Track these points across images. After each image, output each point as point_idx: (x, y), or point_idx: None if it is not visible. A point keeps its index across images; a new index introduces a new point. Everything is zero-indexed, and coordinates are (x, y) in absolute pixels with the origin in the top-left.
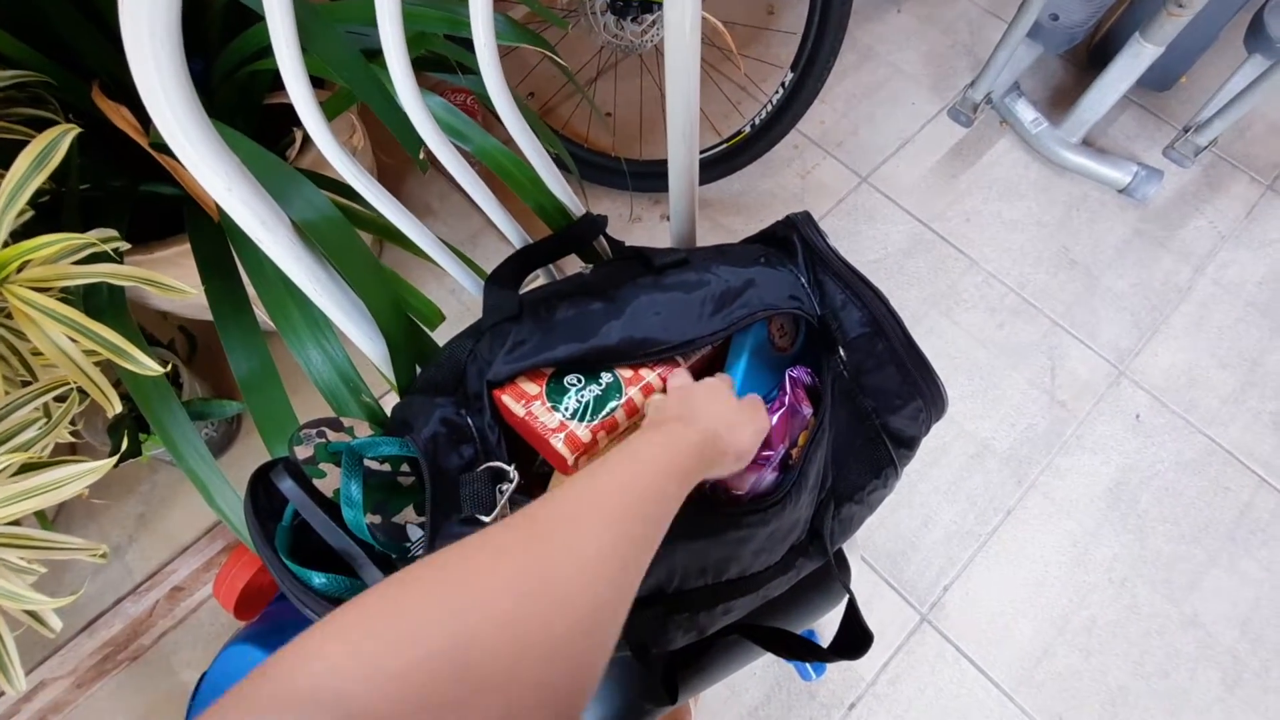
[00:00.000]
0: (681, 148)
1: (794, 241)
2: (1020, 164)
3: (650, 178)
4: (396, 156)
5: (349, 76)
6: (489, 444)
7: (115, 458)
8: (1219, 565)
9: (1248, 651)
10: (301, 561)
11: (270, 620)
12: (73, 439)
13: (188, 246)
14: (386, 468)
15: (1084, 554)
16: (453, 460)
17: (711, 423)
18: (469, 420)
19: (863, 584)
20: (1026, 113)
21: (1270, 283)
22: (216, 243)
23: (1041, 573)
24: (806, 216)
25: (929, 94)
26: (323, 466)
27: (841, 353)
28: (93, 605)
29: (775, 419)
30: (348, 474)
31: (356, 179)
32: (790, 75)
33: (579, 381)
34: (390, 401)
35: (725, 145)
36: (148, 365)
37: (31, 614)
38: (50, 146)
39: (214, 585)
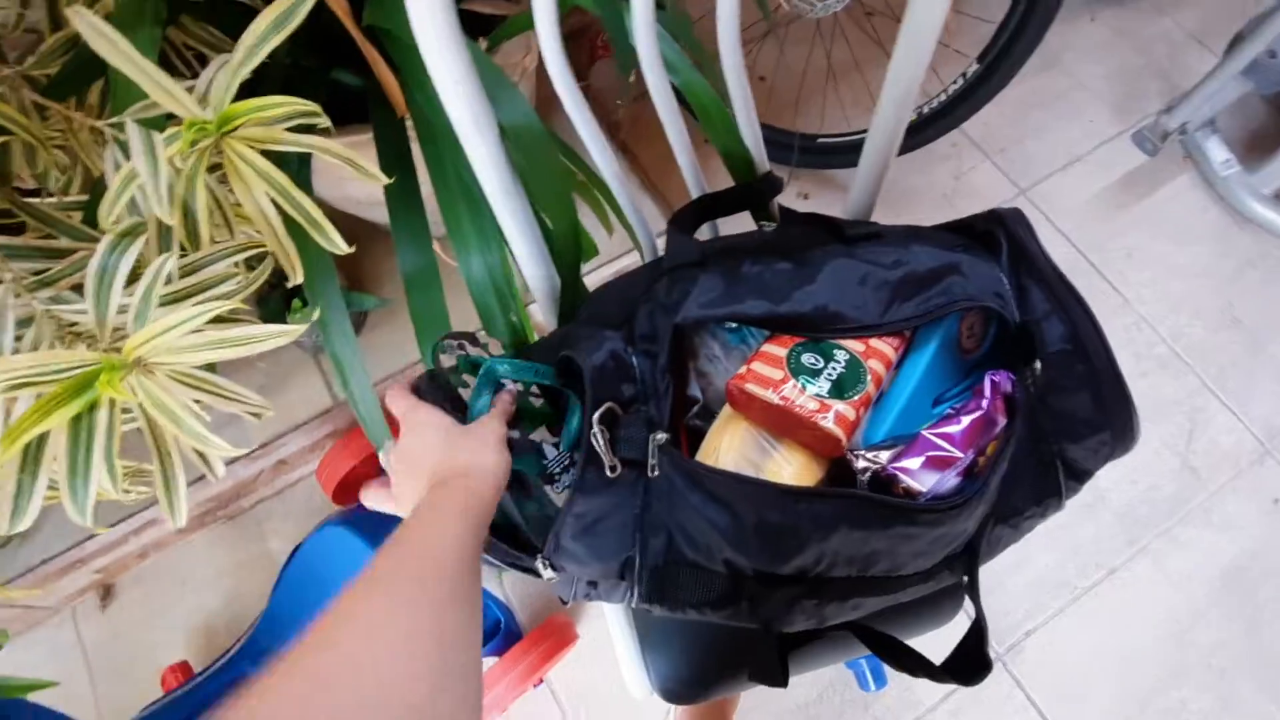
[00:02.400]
0: (891, 115)
1: (998, 238)
2: (1199, 206)
3: (794, 151)
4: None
5: None
6: (653, 389)
7: (300, 327)
8: None
9: None
10: None
11: (366, 510)
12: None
13: (367, 138)
14: (518, 388)
15: (1186, 633)
16: (616, 395)
17: (452, 462)
18: (634, 360)
19: None
20: (1218, 152)
21: None
22: (399, 138)
23: (1135, 641)
24: (1018, 214)
25: (1110, 113)
26: (465, 378)
27: (1037, 367)
28: None
29: (968, 422)
30: (479, 388)
31: (570, 98)
32: (975, 67)
33: (817, 360)
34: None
35: (921, 117)
36: (337, 242)
37: (200, 456)
38: (290, 11)
39: (318, 468)
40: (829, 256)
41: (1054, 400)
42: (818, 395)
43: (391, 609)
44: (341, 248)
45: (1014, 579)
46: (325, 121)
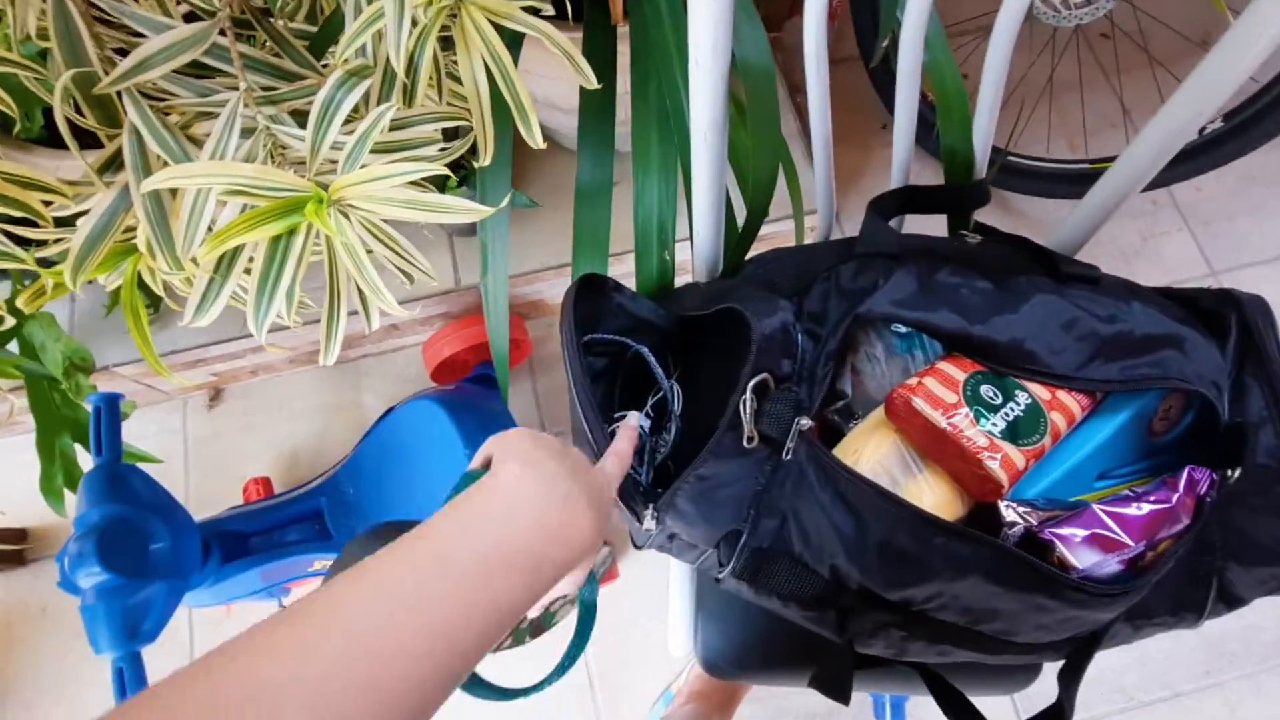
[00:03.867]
0: (1152, 149)
1: (1229, 323)
2: None
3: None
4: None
5: None
6: (810, 372)
7: (490, 208)
8: None
9: None
10: None
11: (459, 393)
12: None
13: (575, 38)
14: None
15: None
16: (774, 367)
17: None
18: (798, 337)
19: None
20: None
21: None
22: (609, 45)
23: None
24: (1262, 303)
25: None
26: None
27: (1234, 473)
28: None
29: (1148, 510)
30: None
31: (817, 53)
32: (1218, 124)
33: (996, 395)
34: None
35: (1086, 166)
36: (536, 134)
37: (363, 304)
38: None
39: (426, 342)
40: (1035, 289)
41: (1237, 515)
42: (989, 433)
43: (401, 582)
44: (539, 141)
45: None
46: (549, 9)
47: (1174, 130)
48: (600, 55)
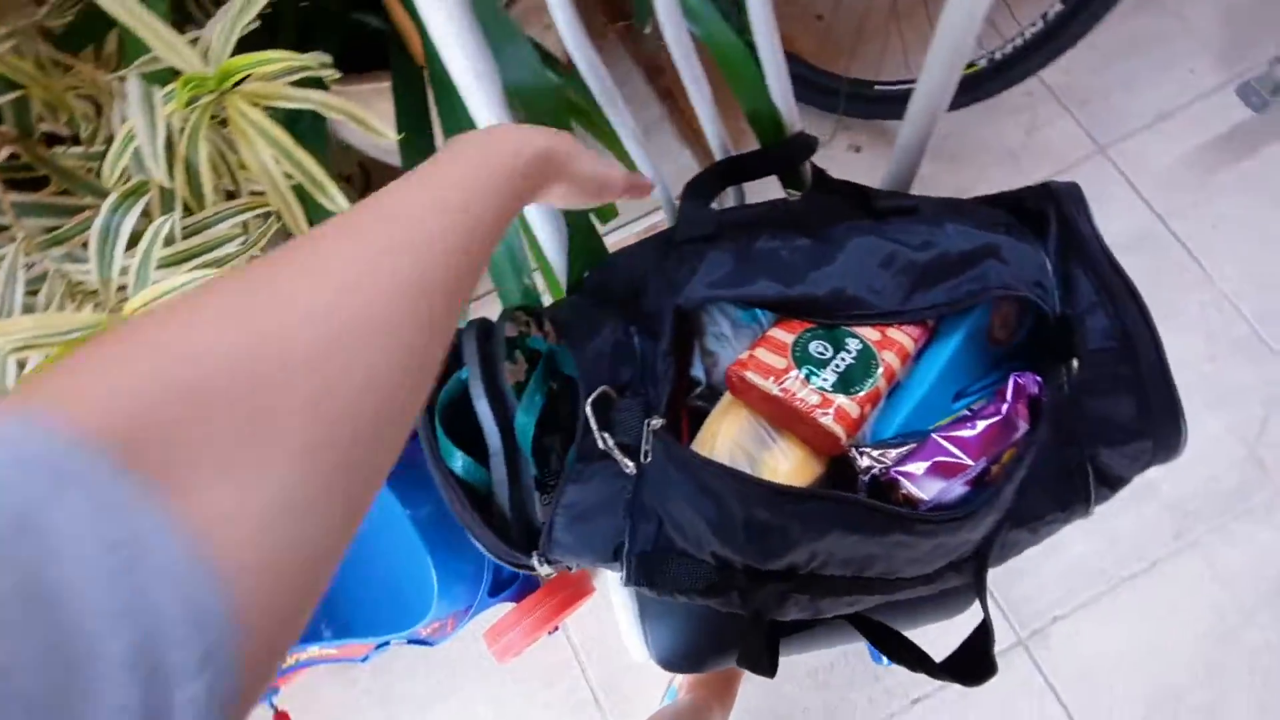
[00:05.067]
0: (943, 61)
1: (1048, 217)
2: None
3: (854, 100)
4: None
5: None
6: (653, 372)
7: None
8: None
9: None
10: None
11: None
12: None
13: (388, 86)
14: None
15: (1229, 632)
16: (614, 379)
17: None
18: (635, 340)
19: None
20: None
21: None
22: (417, 88)
23: (1172, 639)
24: (1075, 189)
25: (1215, 62)
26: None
27: (1074, 364)
28: None
29: (983, 427)
30: (539, 380)
31: (577, 43)
32: (1058, 7)
33: (826, 349)
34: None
35: (969, 71)
36: (338, 201)
37: None
38: None
39: None
40: (853, 233)
41: (1091, 402)
42: (821, 389)
43: (394, 235)
44: (343, 206)
45: (1047, 564)
46: (332, 74)
47: (954, 43)
48: (413, 98)
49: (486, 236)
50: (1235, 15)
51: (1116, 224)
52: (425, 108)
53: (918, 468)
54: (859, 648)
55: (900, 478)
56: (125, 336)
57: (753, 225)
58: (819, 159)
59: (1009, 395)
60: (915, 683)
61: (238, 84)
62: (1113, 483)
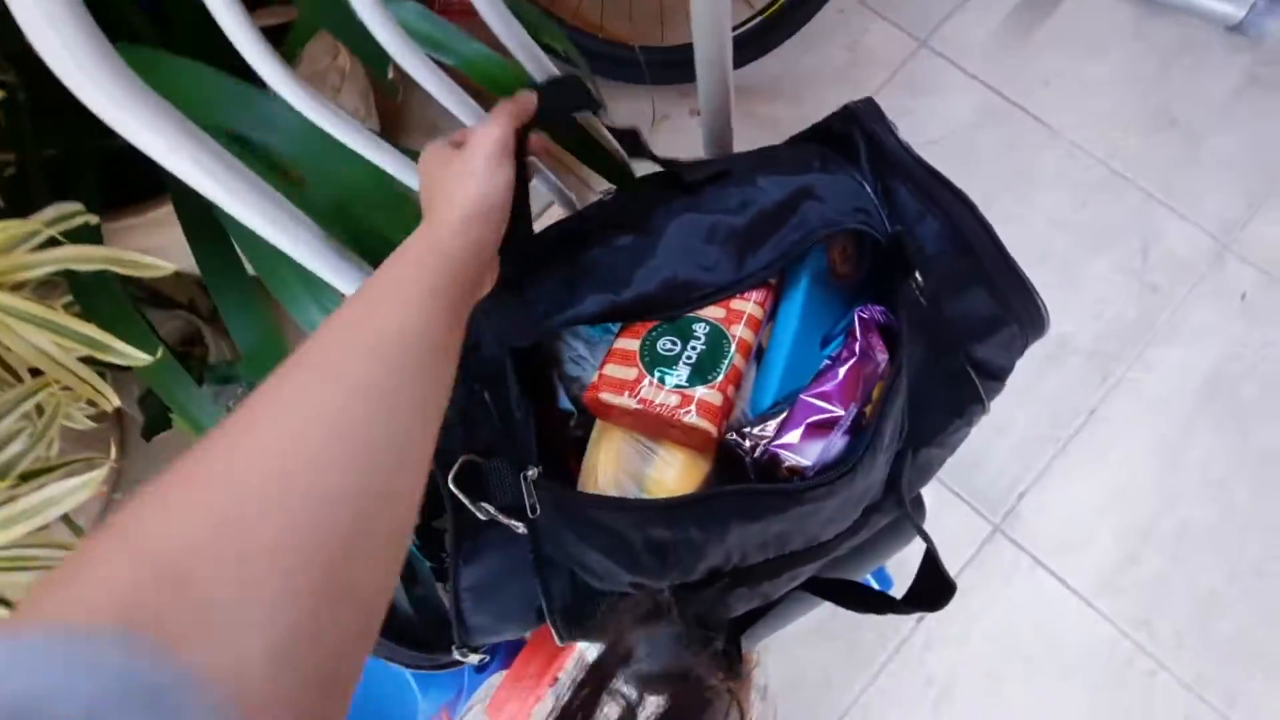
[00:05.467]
0: (707, 21)
1: (855, 139)
2: (1108, 8)
3: (676, 67)
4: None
5: None
6: (511, 424)
7: (102, 470)
8: None
9: None
10: None
11: None
12: (91, 422)
13: (171, 208)
14: None
15: (1176, 454)
16: (469, 446)
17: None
18: (486, 397)
19: (928, 495)
20: None
21: None
22: (201, 201)
23: (1127, 477)
24: (871, 105)
25: None
26: None
27: (918, 277)
28: None
29: (844, 374)
30: None
31: (318, 112)
32: None
33: (674, 344)
34: None
35: (759, 19)
36: (133, 355)
37: None
38: None
39: None
40: (670, 216)
41: (948, 305)
42: (678, 387)
43: (309, 385)
44: (140, 359)
45: (995, 447)
46: (90, 219)
47: (709, 10)
48: (198, 211)
49: (433, 339)
50: None
51: (960, 108)
52: (216, 219)
53: (794, 436)
54: None
55: (779, 451)
56: (107, 538)
57: (571, 238)
58: (668, 130)
59: (858, 333)
60: None
61: None
62: (996, 374)
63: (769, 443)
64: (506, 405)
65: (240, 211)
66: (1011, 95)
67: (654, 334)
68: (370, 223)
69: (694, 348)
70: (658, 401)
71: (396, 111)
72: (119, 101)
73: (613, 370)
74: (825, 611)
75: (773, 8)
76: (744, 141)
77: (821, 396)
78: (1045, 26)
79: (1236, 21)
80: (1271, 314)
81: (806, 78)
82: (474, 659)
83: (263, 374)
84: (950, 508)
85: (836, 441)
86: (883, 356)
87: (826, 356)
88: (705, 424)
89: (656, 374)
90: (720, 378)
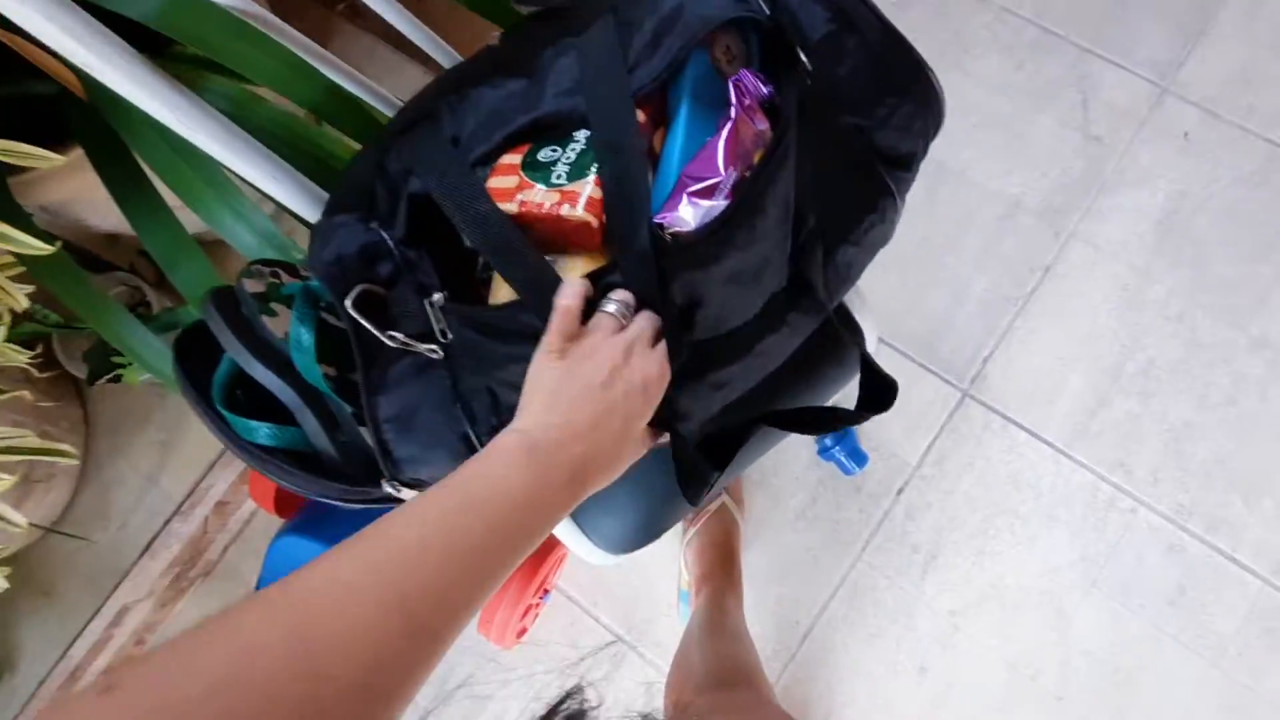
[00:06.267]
0: None
1: None
2: None
3: None
4: None
5: None
6: (407, 258)
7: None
8: None
9: None
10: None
11: (310, 510)
12: (30, 369)
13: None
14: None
15: (1135, 295)
16: (371, 277)
17: (584, 438)
18: (382, 234)
19: (895, 370)
20: None
21: None
22: (98, 127)
23: (1089, 324)
24: None
25: None
26: (275, 308)
27: (805, 61)
28: (144, 531)
29: (723, 139)
30: (298, 317)
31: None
32: None
33: (555, 150)
34: None
35: None
36: (32, 244)
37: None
38: None
39: (249, 491)
40: (559, 54)
41: (842, 91)
42: (558, 186)
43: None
44: (41, 248)
45: (957, 314)
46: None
47: None
48: (106, 147)
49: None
50: None
51: None
52: (118, 142)
53: (676, 203)
54: (828, 474)
55: (663, 221)
56: None
57: (463, 85)
58: None
59: (733, 100)
60: (893, 475)
61: None
62: (904, 162)
63: (654, 218)
64: (399, 243)
65: (122, 85)
66: None
67: (536, 146)
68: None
69: (573, 149)
70: (535, 201)
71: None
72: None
73: (496, 182)
74: (806, 498)
75: None
76: None
77: (700, 166)
78: None
79: None
80: (1215, 148)
81: None
82: (408, 494)
83: (189, 285)
84: (918, 380)
85: (719, 204)
86: (762, 124)
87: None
88: (586, 215)
89: (535, 177)
90: (593, 174)
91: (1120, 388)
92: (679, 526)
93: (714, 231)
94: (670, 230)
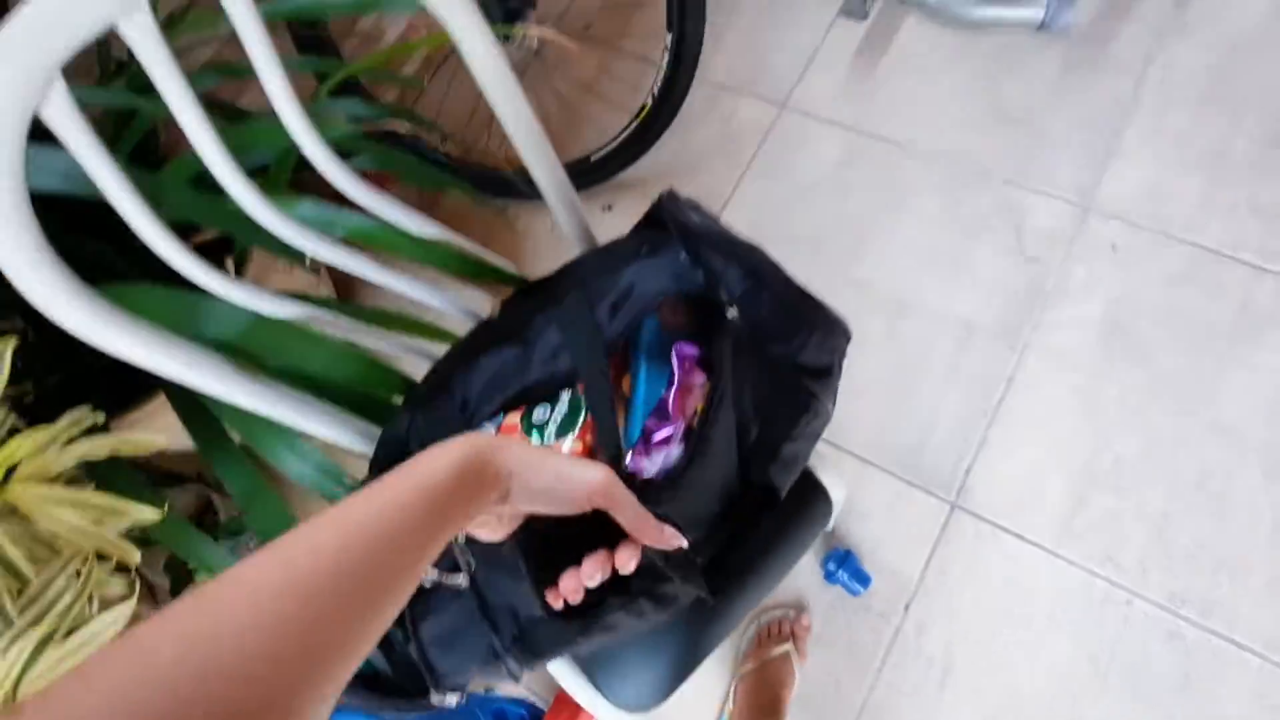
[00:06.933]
0: (536, 155)
1: (667, 222)
2: (931, 37)
3: (583, 174)
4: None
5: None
6: None
7: (133, 599)
8: (1232, 366)
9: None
10: None
11: None
12: (128, 587)
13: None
14: None
15: (1094, 398)
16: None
17: (489, 444)
18: None
19: (884, 490)
20: None
21: (1218, 66)
22: (185, 390)
23: (1057, 428)
24: (670, 196)
25: (818, 2)
26: None
27: (733, 312)
28: None
29: (672, 396)
30: None
31: (259, 302)
32: (669, 35)
33: (546, 410)
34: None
35: (635, 122)
36: (145, 513)
37: None
38: None
39: None
40: (548, 323)
41: (765, 329)
42: (548, 442)
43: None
44: (152, 515)
45: (934, 432)
46: (97, 418)
47: (533, 147)
48: (182, 393)
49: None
50: None
51: (827, 151)
52: (196, 397)
53: (641, 455)
54: (839, 594)
55: (634, 471)
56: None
57: (469, 354)
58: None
59: (675, 365)
60: (898, 591)
61: (8, 475)
62: (823, 372)
63: (628, 466)
64: None
65: (213, 389)
66: (868, 129)
67: (530, 407)
68: (328, 377)
69: (560, 411)
70: None
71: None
72: (99, 329)
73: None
74: (820, 621)
75: (641, 112)
76: None
77: (655, 419)
78: (882, 65)
79: (1040, 22)
80: (1142, 255)
81: (695, 158)
82: (452, 699)
83: (263, 522)
84: (907, 497)
85: (674, 452)
86: (700, 379)
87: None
88: None
89: (533, 435)
90: (578, 429)
91: (1096, 485)
92: (728, 655)
93: (672, 478)
94: (640, 480)
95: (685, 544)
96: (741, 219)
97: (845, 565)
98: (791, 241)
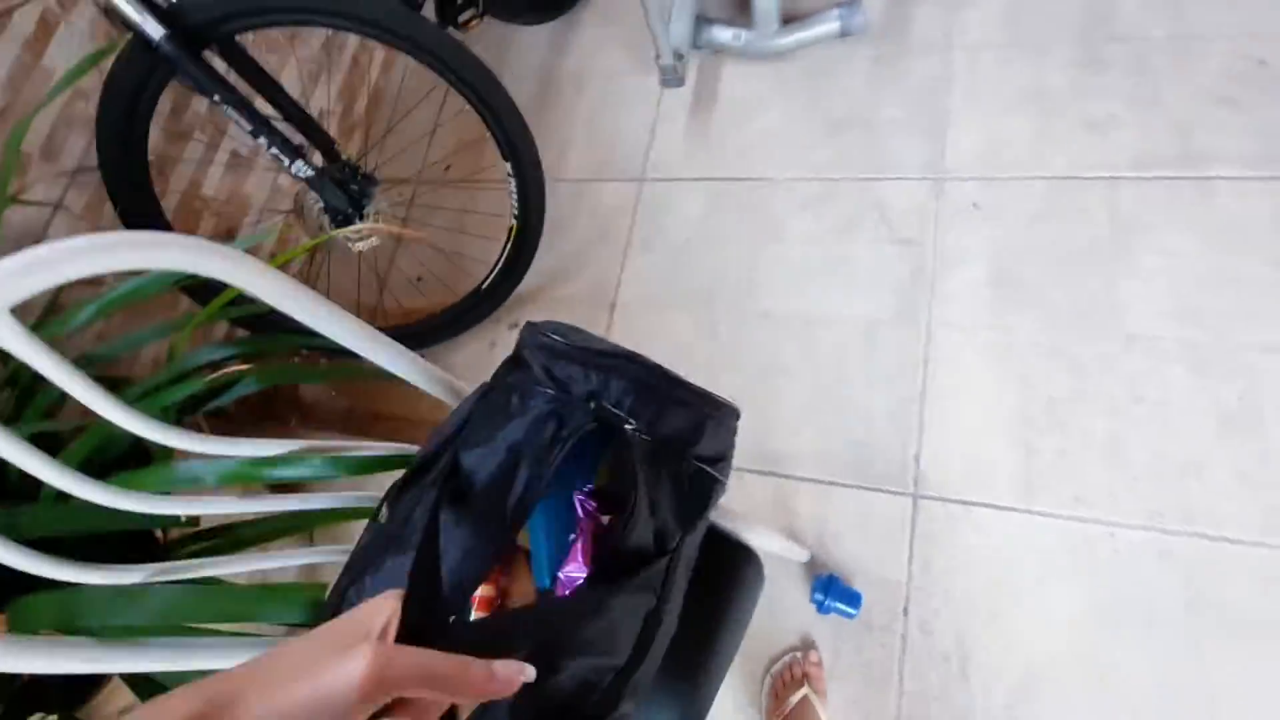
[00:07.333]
0: (364, 344)
1: (527, 359)
2: (751, 77)
3: (476, 309)
4: None
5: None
6: None
7: None
8: (1122, 277)
9: (1194, 332)
10: None
11: None
12: None
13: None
14: None
15: (1007, 351)
16: None
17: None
18: None
19: (846, 504)
20: (724, 35)
21: (1011, 14)
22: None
23: (983, 391)
24: (528, 328)
25: (639, 77)
26: None
27: (629, 425)
28: None
29: (579, 547)
30: None
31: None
32: (508, 165)
33: None
34: None
35: (509, 244)
36: None
37: None
38: None
39: None
40: (444, 523)
41: (661, 429)
42: None
43: None
44: None
45: (873, 432)
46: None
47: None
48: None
49: None
50: (627, 47)
51: (693, 208)
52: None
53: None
54: (836, 622)
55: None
56: None
57: (376, 556)
58: (499, 353)
59: (580, 515)
60: (892, 598)
61: None
62: (719, 459)
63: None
64: None
65: (137, 667)
66: (723, 174)
67: None
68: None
69: None
70: None
71: None
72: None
73: None
74: (829, 655)
75: (512, 232)
76: (562, 317)
77: (571, 573)
78: (716, 115)
79: (839, 31)
80: (1003, 204)
81: (576, 254)
82: None
83: None
84: (869, 503)
85: (580, 570)
86: (606, 519)
87: (571, 534)
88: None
89: None
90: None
91: (1038, 431)
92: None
93: (595, 589)
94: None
95: (532, 674)
96: (637, 294)
97: (832, 590)
98: (689, 297)
